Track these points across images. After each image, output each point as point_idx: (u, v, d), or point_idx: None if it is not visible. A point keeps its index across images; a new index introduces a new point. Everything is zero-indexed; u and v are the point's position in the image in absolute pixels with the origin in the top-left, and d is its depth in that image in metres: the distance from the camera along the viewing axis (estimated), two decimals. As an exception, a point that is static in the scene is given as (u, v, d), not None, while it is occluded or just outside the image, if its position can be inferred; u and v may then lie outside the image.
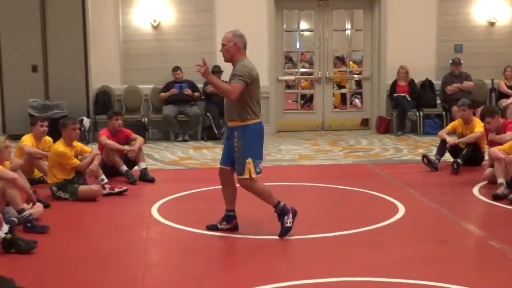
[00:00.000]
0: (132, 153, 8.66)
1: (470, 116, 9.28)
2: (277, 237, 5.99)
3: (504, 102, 12.49)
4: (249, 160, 5.90)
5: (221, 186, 6.26)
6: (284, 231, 6.02)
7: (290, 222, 6.03)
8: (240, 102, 5.89)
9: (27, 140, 8.21)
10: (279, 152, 10.93)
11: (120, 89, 12.55)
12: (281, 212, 6.05)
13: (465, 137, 9.09)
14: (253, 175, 5.93)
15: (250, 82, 5.89)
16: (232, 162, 6.05)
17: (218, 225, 6.25)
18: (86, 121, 11.88)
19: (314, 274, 5.02)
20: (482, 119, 8.59)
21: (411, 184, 8.27)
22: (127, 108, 12.42)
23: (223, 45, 6.03)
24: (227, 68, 12.15)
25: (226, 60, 6.11)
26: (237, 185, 6.14)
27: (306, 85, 15.24)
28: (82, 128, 11.34)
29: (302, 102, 14.86)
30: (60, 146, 7.65)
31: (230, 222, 6.24)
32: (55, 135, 8.13)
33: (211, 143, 11.86)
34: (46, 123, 8.41)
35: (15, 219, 6.24)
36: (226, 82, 12.68)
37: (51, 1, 12.21)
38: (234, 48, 5.99)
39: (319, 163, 10.03)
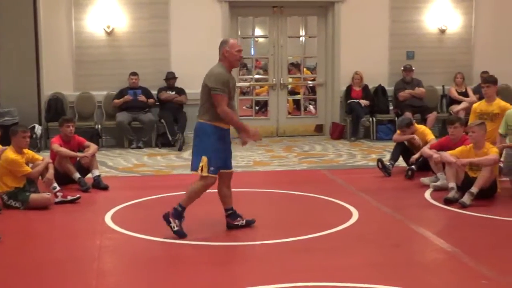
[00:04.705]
0: (86, 159, 8.55)
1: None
2: (230, 243, 5.98)
3: (455, 108, 12.72)
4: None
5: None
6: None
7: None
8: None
9: (-24, 148, 8.04)
10: (234, 158, 10.84)
11: (72, 96, 12.39)
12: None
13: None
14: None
15: None
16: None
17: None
18: (38, 128, 11.64)
19: (268, 280, 5.01)
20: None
21: (364, 189, 8.34)
22: (80, 115, 12.28)
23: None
24: (178, 74, 12.19)
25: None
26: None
27: (261, 92, 15.28)
28: (34, 136, 11.15)
29: (257, 108, 14.89)
30: (10, 153, 7.51)
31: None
32: (6, 142, 7.98)
33: (165, 150, 11.79)
34: (-4, 131, 8.26)
35: (-36, 228, 6.13)
36: (180, 88, 12.61)
37: (0, 6, 11.98)
38: None
39: (273, 169, 10.06)
